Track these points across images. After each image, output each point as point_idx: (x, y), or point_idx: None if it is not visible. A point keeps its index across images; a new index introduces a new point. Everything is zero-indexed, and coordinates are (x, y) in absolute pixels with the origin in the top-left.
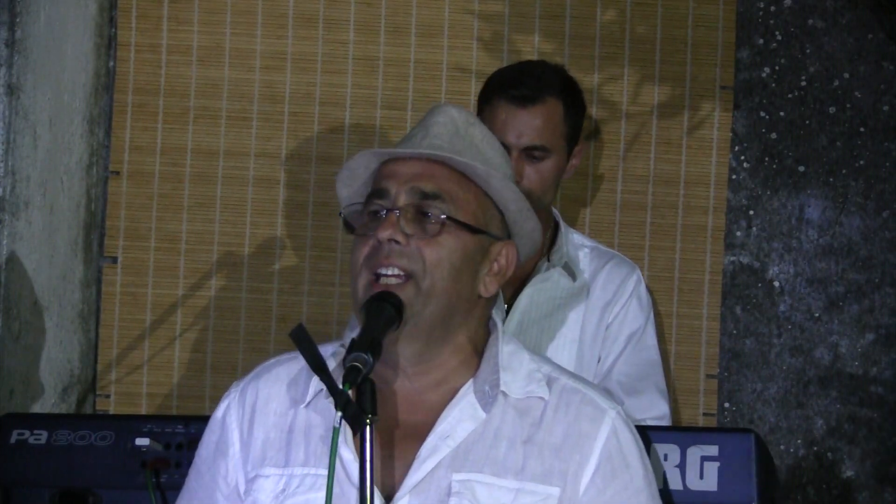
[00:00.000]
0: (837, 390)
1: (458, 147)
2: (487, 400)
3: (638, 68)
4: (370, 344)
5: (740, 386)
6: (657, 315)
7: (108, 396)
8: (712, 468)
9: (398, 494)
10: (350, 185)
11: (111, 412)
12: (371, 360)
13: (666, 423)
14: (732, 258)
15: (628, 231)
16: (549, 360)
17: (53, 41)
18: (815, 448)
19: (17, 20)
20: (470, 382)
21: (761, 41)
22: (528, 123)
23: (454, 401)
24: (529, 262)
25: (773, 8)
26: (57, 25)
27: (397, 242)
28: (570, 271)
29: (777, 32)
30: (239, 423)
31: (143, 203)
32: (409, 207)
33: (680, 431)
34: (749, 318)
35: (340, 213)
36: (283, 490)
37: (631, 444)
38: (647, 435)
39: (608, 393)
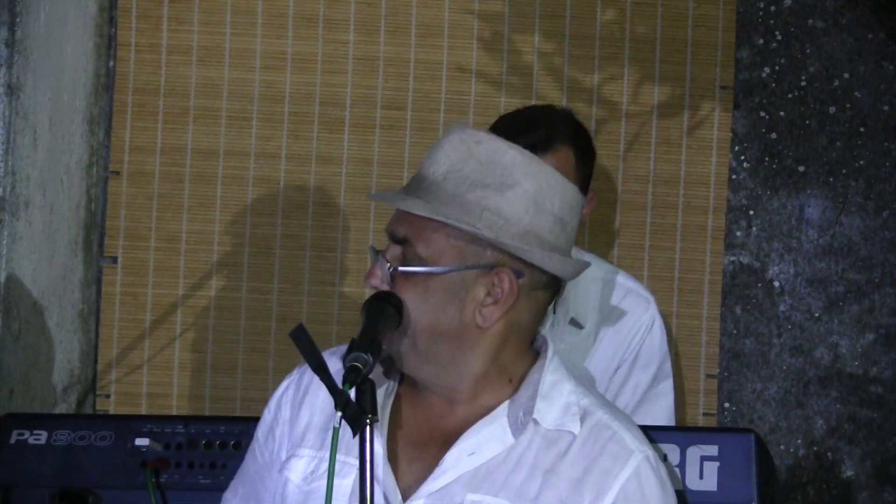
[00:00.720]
0: (837, 390)
1: (456, 174)
2: (519, 426)
3: (638, 68)
4: (370, 344)
5: (740, 386)
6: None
7: (108, 396)
8: (712, 468)
9: (414, 496)
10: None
11: (111, 412)
12: (371, 359)
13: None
14: (732, 258)
15: (628, 231)
16: (593, 392)
17: (53, 41)
18: (815, 448)
19: (17, 20)
20: (505, 404)
21: (761, 41)
22: None
23: (486, 419)
24: None
25: (773, 8)
26: (57, 25)
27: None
28: (577, 322)
29: (777, 32)
30: (292, 404)
31: (143, 203)
32: (385, 254)
33: (680, 431)
34: (749, 318)
35: (369, 248)
36: (313, 472)
37: (655, 491)
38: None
39: (644, 436)
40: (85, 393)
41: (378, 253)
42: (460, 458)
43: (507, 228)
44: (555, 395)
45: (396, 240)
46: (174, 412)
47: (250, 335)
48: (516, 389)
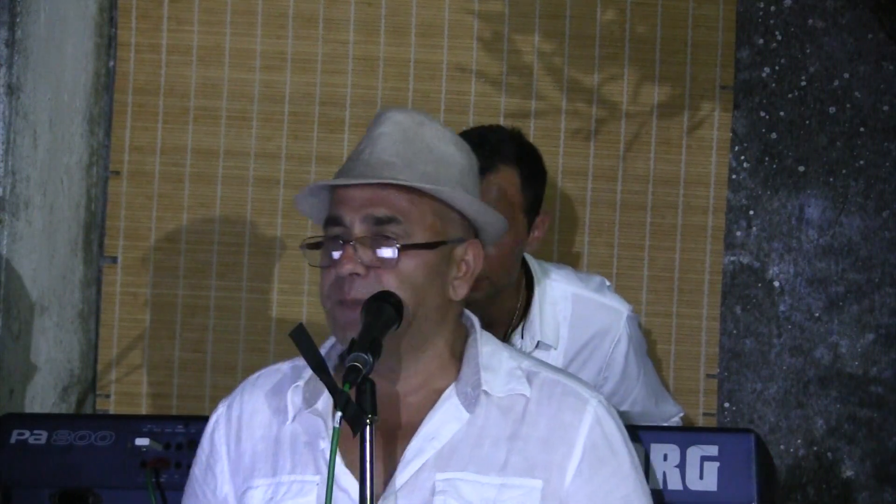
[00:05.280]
0: (837, 390)
1: (407, 157)
2: (470, 400)
3: (638, 68)
4: (370, 344)
5: (740, 386)
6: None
7: (108, 396)
8: (712, 468)
9: (384, 494)
10: (309, 206)
11: (111, 412)
12: (371, 359)
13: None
14: (732, 258)
15: (628, 231)
16: (528, 356)
17: (53, 41)
18: (815, 448)
19: (17, 20)
20: (453, 385)
21: (761, 41)
22: (481, 196)
23: (438, 403)
24: (499, 334)
25: (773, 8)
26: (57, 25)
27: (358, 275)
28: (546, 345)
29: (777, 32)
30: (227, 439)
31: (143, 203)
32: (365, 239)
33: (680, 431)
34: (749, 318)
35: (301, 247)
36: (271, 498)
37: (615, 431)
38: (645, 435)
39: (589, 383)
40: (85, 393)
41: (345, 242)
42: (422, 447)
43: (467, 200)
44: (495, 365)
45: (376, 221)
46: (174, 412)
47: (250, 335)
48: (459, 367)
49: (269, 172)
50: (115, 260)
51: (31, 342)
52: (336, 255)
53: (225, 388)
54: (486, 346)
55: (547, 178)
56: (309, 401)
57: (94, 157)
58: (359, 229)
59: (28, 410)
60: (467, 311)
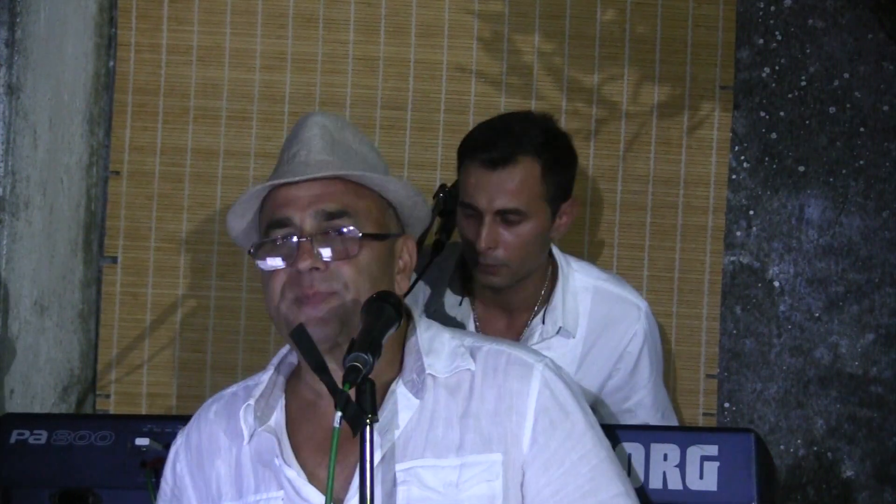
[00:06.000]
0: (837, 390)
1: (340, 155)
2: (417, 387)
3: (638, 68)
4: (370, 344)
5: (740, 386)
6: (660, 334)
7: (107, 396)
8: (712, 468)
9: (347, 496)
10: (243, 216)
11: (111, 412)
12: (371, 359)
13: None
14: (732, 258)
15: (628, 231)
16: (471, 333)
17: (53, 41)
18: (815, 448)
19: (17, 20)
20: (399, 375)
21: (761, 41)
22: (499, 187)
23: (387, 396)
24: (521, 319)
25: (773, 8)
26: (57, 25)
27: (317, 269)
28: (567, 332)
29: (777, 32)
30: (189, 468)
31: (143, 203)
32: (318, 234)
33: (680, 431)
34: (749, 318)
35: (249, 252)
36: None
37: (564, 392)
38: (645, 435)
39: (532, 349)
40: (85, 393)
41: (299, 239)
42: (378, 442)
43: (410, 192)
44: (438, 347)
45: (327, 216)
46: (174, 412)
47: (250, 335)
48: (402, 357)
49: (268, 172)
50: (115, 260)
51: (31, 342)
52: (279, 260)
53: (224, 388)
54: (426, 331)
55: (577, 164)
56: (261, 419)
57: (94, 157)
58: (310, 225)
59: (28, 410)
60: (407, 304)
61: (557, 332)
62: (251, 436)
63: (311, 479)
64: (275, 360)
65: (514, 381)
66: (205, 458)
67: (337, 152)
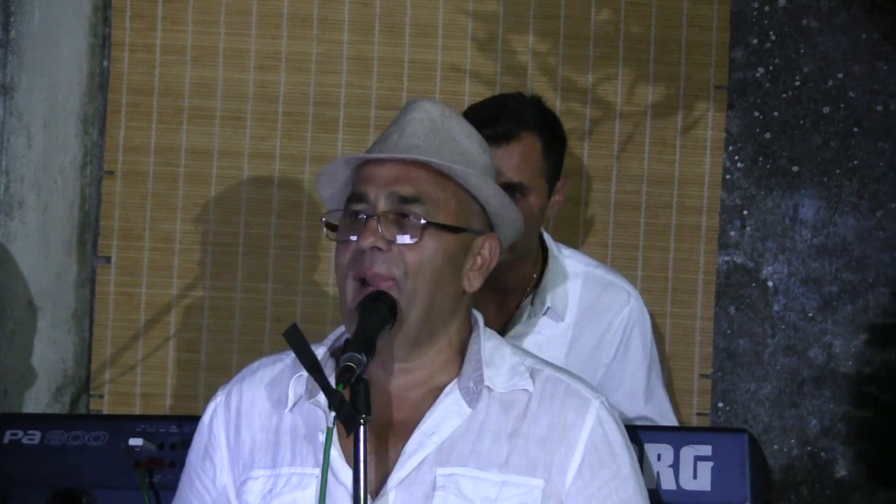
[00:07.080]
0: (831, 390)
1: (435, 143)
2: (472, 396)
3: (632, 68)
4: (364, 344)
5: (734, 386)
6: (654, 326)
7: (101, 396)
8: (706, 468)
9: (384, 489)
10: (331, 186)
11: (105, 412)
12: (365, 359)
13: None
14: (726, 258)
15: (622, 231)
16: (531, 354)
17: (48, 41)
18: (809, 448)
19: (12, 20)
20: (455, 380)
21: (756, 41)
22: (504, 162)
23: (440, 398)
24: (513, 301)
25: (767, 8)
26: (51, 25)
27: (379, 249)
28: (556, 314)
29: (771, 32)
30: (226, 428)
31: (138, 203)
32: (388, 213)
33: (673, 431)
34: (743, 317)
35: (322, 219)
36: (271, 490)
37: (616, 434)
38: (639, 435)
39: (591, 384)
40: (79, 393)
41: (368, 217)
42: (422, 441)
43: (493, 190)
44: (498, 360)
45: (401, 199)
46: (168, 412)
47: (244, 335)
48: (461, 363)
49: (263, 172)
50: (109, 260)
51: (24, 342)
52: (354, 234)
53: (219, 387)
54: (488, 341)
55: (567, 143)
56: (311, 392)
57: (88, 157)
58: (383, 205)
59: (22, 410)
60: (474, 310)
61: (545, 313)
62: (294, 405)
63: (350, 462)
64: (331, 338)
65: (570, 411)
66: (242, 421)
67: (432, 140)
